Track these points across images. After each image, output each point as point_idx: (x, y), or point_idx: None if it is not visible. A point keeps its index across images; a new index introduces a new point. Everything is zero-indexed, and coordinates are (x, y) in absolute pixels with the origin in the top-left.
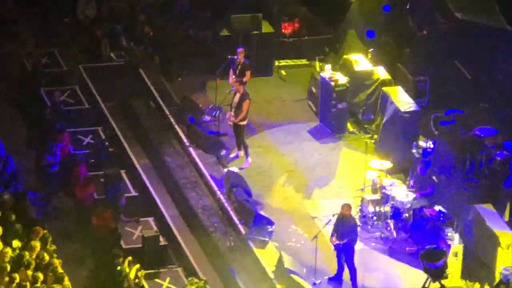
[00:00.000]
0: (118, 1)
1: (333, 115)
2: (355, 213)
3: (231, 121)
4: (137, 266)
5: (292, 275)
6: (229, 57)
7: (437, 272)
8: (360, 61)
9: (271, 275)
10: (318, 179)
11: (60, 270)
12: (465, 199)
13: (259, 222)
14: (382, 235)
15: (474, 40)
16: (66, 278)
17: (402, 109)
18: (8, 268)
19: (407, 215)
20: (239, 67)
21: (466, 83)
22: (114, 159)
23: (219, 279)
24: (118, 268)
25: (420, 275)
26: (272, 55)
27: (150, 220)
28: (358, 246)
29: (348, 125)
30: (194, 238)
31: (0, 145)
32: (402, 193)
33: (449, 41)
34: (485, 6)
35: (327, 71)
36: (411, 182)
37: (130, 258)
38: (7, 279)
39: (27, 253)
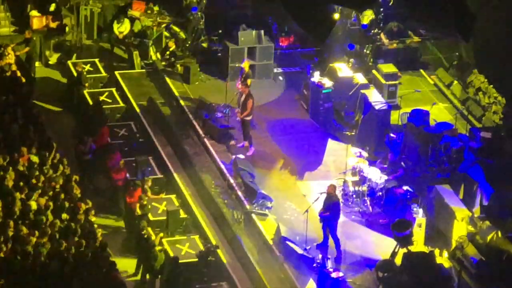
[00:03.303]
0: (146, 19)
1: (321, 112)
2: (338, 192)
3: (238, 117)
4: (161, 234)
5: (288, 242)
6: (236, 65)
7: (404, 239)
8: (343, 69)
9: (270, 242)
10: (308, 164)
11: (100, 237)
12: (427, 181)
13: (260, 199)
14: (360, 210)
15: (434, 51)
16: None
17: (376, 108)
18: (57, 236)
19: (380, 193)
20: (244, 74)
21: (429, 86)
22: (143, 147)
23: (228, 245)
24: (146, 236)
25: (391, 242)
26: (272, 64)
27: (173, 197)
28: (341, 218)
29: (333, 121)
30: (208, 212)
31: None
32: (377, 176)
33: (414, 53)
34: (443, 23)
35: (316, 77)
36: (384, 167)
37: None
38: (56, 245)
39: (72, 224)
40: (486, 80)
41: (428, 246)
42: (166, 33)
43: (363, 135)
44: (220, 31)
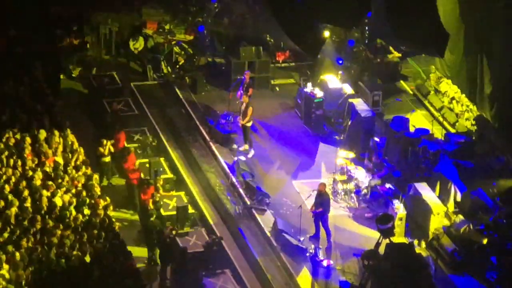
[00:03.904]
0: (158, 37)
1: (313, 119)
2: (328, 189)
3: (240, 123)
4: (172, 227)
5: (284, 234)
6: (238, 77)
7: (387, 231)
8: (333, 80)
9: (268, 234)
10: (302, 165)
11: (118, 230)
12: (407, 179)
13: (259, 196)
14: (348, 205)
15: (413, 65)
16: (122, 235)
17: (362, 115)
18: (80, 229)
19: (366, 191)
20: (245, 85)
21: (408, 96)
22: (155, 149)
23: (231, 237)
24: (158, 228)
25: (375, 234)
26: (269, 76)
27: (182, 194)
28: (331, 213)
29: (323, 126)
30: (213, 207)
31: None
32: (362, 175)
33: (395, 66)
34: (421, 41)
35: (308, 88)
36: (369, 167)
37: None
38: (78, 236)
39: (93, 218)
40: (459, 90)
41: (408, 237)
42: (176, 49)
43: (350, 139)
44: (224, 47)
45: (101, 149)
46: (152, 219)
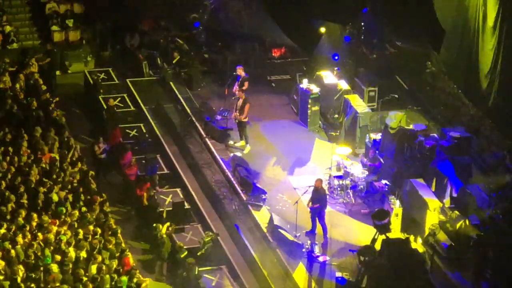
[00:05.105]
0: (155, 34)
1: (309, 115)
2: (325, 185)
3: (236, 119)
4: (168, 223)
5: (280, 230)
6: (234, 73)
7: (383, 227)
8: (328, 76)
9: (264, 230)
10: (298, 160)
11: (114, 226)
12: (403, 175)
13: (256, 192)
14: (344, 201)
15: (409, 61)
16: (119, 231)
17: (358, 111)
18: (76, 225)
19: (362, 186)
20: (241, 80)
21: (404, 92)
22: (152, 146)
23: (227, 233)
24: (154, 224)
25: (371, 230)
26: (265, 72)
27: (178, 190)
28: (327, 209)
29: (319, 122)
30: (209, 203)
31: None
32: (358, 171)
33: (391, 62)
34: (417, 37)
35: (304, 83)
36: (365, 162)
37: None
38: (74, 233)
39: (89, 214)
40: (455, 86)
41: (404, 233)
42: (172, 45)
43: (346, 135)
44: (220, 43)
45: (98, 146)
46: (148, 215)
